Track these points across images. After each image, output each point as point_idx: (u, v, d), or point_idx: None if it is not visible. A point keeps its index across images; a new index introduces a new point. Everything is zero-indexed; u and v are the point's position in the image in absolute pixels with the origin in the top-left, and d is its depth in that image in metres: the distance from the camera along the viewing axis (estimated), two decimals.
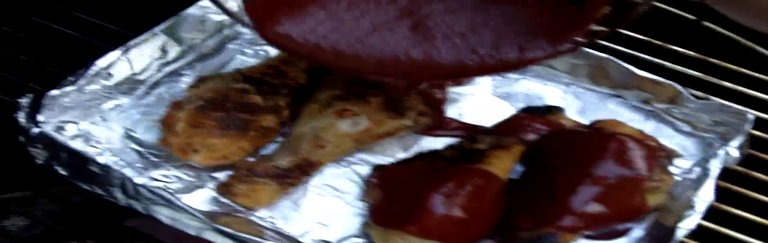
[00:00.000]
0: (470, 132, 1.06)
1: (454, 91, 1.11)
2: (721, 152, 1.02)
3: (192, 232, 0.92)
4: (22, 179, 1.04)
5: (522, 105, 1.11)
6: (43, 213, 1.04)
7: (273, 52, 1.15)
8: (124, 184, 0.94)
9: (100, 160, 0.95)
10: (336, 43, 0.81)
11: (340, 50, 0.81)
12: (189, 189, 0.99)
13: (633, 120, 1.09)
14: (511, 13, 0.82)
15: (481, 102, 1.12)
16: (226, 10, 0.83)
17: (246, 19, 0.83)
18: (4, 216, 1.04)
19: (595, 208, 0.93)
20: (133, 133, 1.05)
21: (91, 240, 0.99)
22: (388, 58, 0.80)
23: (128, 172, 0.97)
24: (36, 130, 0.97)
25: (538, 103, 1.11)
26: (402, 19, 0.81)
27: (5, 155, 1.05)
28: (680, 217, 0.93)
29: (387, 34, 0.80)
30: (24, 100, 1.00)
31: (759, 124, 1.08)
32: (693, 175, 1.02)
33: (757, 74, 1.17)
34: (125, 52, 1.07)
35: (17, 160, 1.03)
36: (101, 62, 1.05)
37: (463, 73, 0.91)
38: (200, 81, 1.06)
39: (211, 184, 1.00)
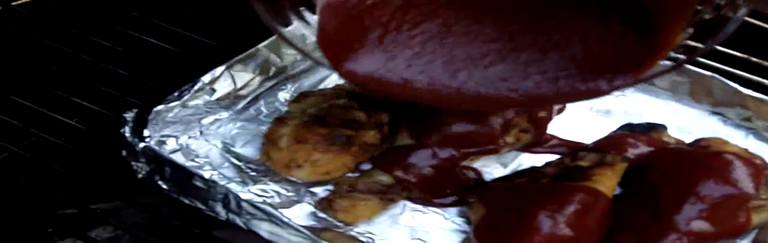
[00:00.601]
0: (571, 149, 1.06)
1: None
2: None
3: None
4: (108, 190, 1.05)
5: (621, 122, 1.10)
6: (129, 224, 1.05)
7: None
8: (227, 199, 0.94)
9: (206, 175, 0.96)
10: (411, 81, 0.83)
11: (415, 86, 0.82)
12: (288, 204, 0.99)
13: (733, 137, 1.08)
14: (571, 57, 0.83)
15: (579, 118, 1.12)
16: (298, 49, 0.86)
17: (318, 56, 0.85)
18: (91, 226, 1.05)
19: (700, 226, 0.92)
20: (232, 148, 1.06)
21: None
22: (462, 92, 0.81)
23: (233, 187, 0.97)
24: (142, 145, 0.98)
25: (638, 119, 1.11)
26: (469, 61, 0.83)
27: (95, 166, 1.06)
28: None
29: (456, 73, 0.82)
30: (129, 115, 1.01)
31: None
32: None
33: None
34: (229, 67, 1.08)
35: (106, 171, 1.04)
36: (206, 78, 1.07)
37: (537, 104, 0.94)
38: (302, 96, 1.07)
39: (309, 200, 1.00)
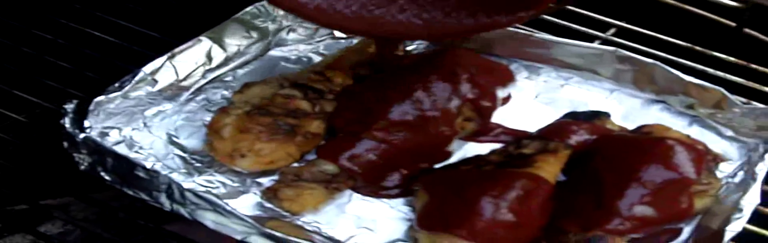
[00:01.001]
0: (515, 137, 1.06)
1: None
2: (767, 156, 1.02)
3: (238, 236, 0.91)
4: (59, 185, 1.04)
5: (566, 111, 1.11)
6: (79, 219, 1.04)
7: (316, 58, 1.17)
8: (171, 189, 0.93)
9: (148, 165, 0.96)
10: (332, 12, 0.94)
11: (336, 16, 0.94)
12: (233, 194, 0.99)
13: (676, 124, 1.09)
14: None
15: (524, 108, 1.12)
16: None
17: None
18: (41, 221, 1.05)
19: (643, 211, 0.93)
20: (176, 139, 1.05)
21: None
22: (381, 24, 0.93)
23: (175, 176, 0.97)
24: (82, 135, 0.97)
25: (582, 108, 1.11)
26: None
27: (44, 161, 1.05)
28: (728, 220, 0.92)
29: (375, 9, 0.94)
30: (69, 107, 1.00)
31: None
32: (736, 179, 1.02)
33: None
34: (171, 58, 1.08)
35: (56, 166, 1.03)
36: (147, 68, 1.06)
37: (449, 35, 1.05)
38: (245, 86, 1.06)
39: (256, 190, 0.99)
